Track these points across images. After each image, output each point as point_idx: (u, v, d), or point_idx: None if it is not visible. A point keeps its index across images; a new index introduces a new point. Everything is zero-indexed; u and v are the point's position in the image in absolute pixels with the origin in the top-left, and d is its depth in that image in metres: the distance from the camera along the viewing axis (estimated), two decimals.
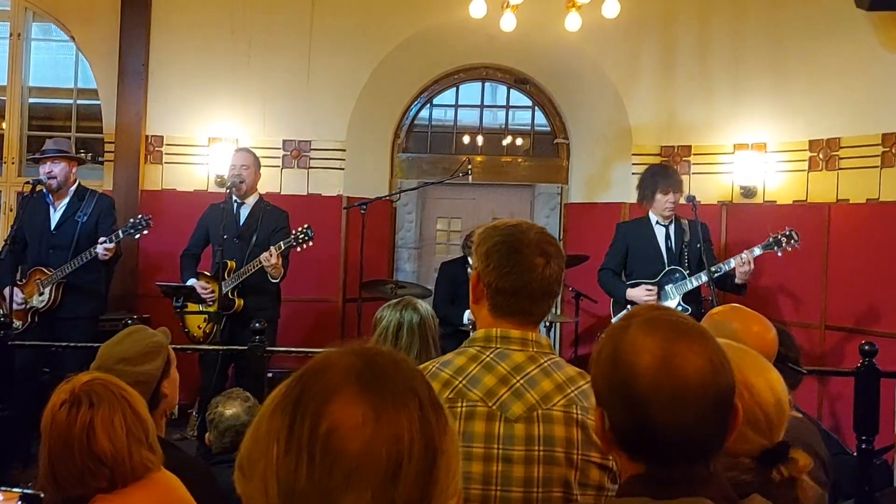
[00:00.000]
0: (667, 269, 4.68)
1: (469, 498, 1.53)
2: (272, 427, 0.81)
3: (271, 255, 4.53)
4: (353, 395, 0.80)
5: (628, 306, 4.69)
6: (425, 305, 2.76)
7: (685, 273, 4.61)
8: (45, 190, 4.79)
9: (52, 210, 4.82)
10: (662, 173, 4.84)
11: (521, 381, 1.59)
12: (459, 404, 1.56)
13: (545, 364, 1.62)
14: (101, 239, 4.59)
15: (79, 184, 4.92)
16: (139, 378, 2.22)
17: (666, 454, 1.14)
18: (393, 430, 0.78)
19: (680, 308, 4.56)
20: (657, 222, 4.77)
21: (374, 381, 0.81)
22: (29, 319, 4.76)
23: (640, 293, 4.67)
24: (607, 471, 1.57)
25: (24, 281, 4.77)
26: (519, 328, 1.64)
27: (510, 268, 1.61)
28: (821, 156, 5.56)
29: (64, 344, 4.55)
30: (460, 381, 1.59)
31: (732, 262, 4.43)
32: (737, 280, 4.48)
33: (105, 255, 4.55)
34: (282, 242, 4.59)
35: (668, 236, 4.71)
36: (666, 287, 4.65)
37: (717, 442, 1.17)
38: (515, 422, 1.55)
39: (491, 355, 1.62)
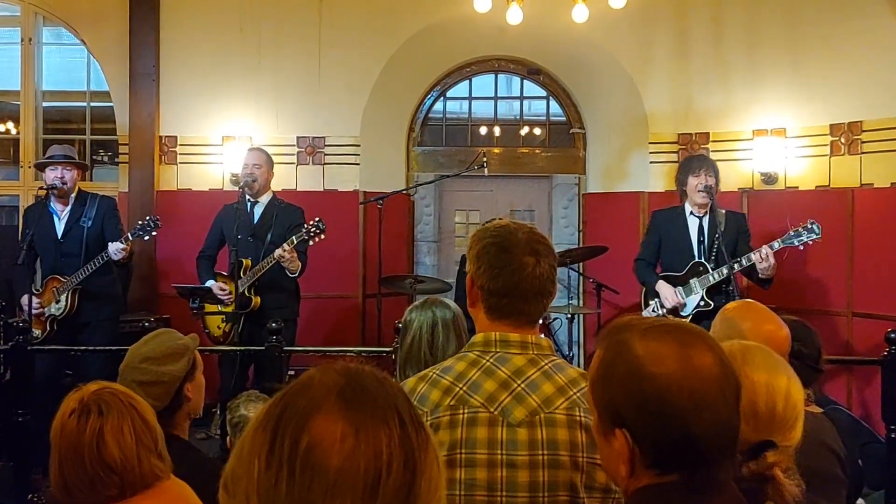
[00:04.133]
0: (694, 261, 4.61)
1: None
2: (255, 444, 0.82)
3: (284, 251, 4.54)
4: (333, 411, 0.81)
5: (657, 298, 4.69)
6: (452, 302, 2.71)
7: (709, 267, 4.52)
8: (50, 198, 4.81)
9: (56, 219, 4.83)
10: (695, 157, 4.94)
11: (522, 386, 1.58)
12: (461, 411, 1.56)
13: (546, 367, 1.61)
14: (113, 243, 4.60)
15: (78, 189, 4.93)
16: (161, 377, 2.24)
17: (704, 458, 1.12)
18: (372, 446, 0.80)
19: (703, 303, 4.51)
20: (691, 213, 4.68)
21: (355, 398, 0.83)
22: (47, 328, 4.79)
23: (669, 293, 4.61)
24: None
25: (41, 290, 4.81)
26: (517, 330, 1.63)
27: (500, 269, 1.60)
28: (843, 140, 5.45)
29: (82, 348, 4.59)
30: (461, 388, 1.58)
31: (753, 257, 4.34)
32: (760, 275, 4.39)
33: (118, 255, 4.57)
34: (294, 237, 4.60)
35: (700, 228, 4.61)
36: (691, 281, 4.58)
37: (738, 434, 1.17)
38: (518, 426, 1.54)
39: (491, 360, 1.61)
